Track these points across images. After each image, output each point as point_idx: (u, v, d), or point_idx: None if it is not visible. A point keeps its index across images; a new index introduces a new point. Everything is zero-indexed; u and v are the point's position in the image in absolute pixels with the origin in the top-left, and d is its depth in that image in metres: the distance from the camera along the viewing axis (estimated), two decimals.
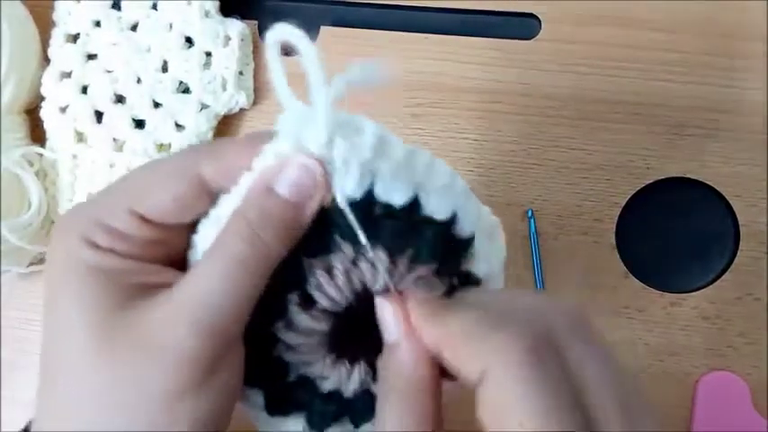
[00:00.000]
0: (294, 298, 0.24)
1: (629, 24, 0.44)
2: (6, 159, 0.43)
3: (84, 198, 0.45)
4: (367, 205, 0.23)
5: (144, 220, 0.24)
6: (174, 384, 0.21)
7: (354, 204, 0.23)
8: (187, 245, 0.25)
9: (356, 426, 0.26)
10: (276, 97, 0.24)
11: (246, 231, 0.23)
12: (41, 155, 0.45)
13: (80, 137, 0.45)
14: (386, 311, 0.24)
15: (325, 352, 0.25)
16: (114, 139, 0.45)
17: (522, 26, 0.46)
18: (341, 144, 0.23)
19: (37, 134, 0.46)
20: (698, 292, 0.43)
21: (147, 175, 0.25)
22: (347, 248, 0.23)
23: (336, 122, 0.23)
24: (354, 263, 0.23)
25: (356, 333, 0.24)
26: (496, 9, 0.46)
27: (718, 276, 0.43)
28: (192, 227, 0.25)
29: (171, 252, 0.24)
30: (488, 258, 0.27)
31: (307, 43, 0.24)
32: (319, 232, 0.23)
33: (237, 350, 0.23)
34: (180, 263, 0.24)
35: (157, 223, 0.24)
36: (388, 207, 0.23)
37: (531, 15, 0.45)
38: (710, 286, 0.43)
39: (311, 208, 0.23)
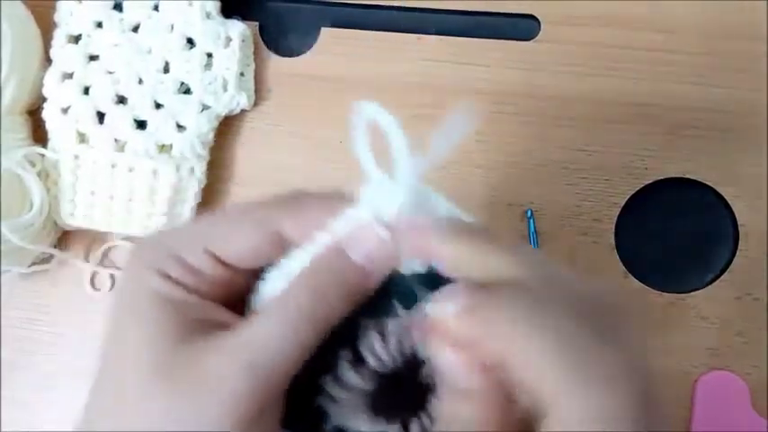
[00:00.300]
0: (346, 355, 0.25)
1: (629, 25, 0.45)
2: (8, 160, 0.43)
3: (84, 198, 0.45)
4: (429, 278, 0.24)
5: (218, 260, 0.25)
6: (221, 424, 0.22)
7: (418, 276, 0.24)
8: (251, 289, 0.25)
9: None
10: (361, 163, 0.25)
11: (315, 287, 0.24)
12: (43, 155, 0.46)
13: (82, 137, 0.46)
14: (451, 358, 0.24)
15: (365, 407, 0.26)
16: (116, 140, 0.45)
17: (521, 27, 0.46)
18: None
19: (39, 135, 0.47)
20: (697, 293, 0.43)
21: (228, 220, 0.26)
22: (403, 314, 0.24)
23: (415, 196, 0.24)
24: (408, 329, 0.24)
25: (397, 394, 0.25)
26: (496, 10, 0.46)
27: (718, 276, 0.43)
28: (258, 272, 0.25)
29: (232, 293, 0.25)
30: None
31: (391, 122, 0.25)
32: (379, 296, 0.25)
33: (280, 401, 0.24)
34: (238, 305, 0.25)
35: (229, 265, 0.25)
36: (448, 282, 0.24)
37: (531, 17, 0.45)
38: (710, 286, 0.43)
39: (378, 277, 0.24)
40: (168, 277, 0.24)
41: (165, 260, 0.24)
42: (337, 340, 0.24)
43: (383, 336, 0.25)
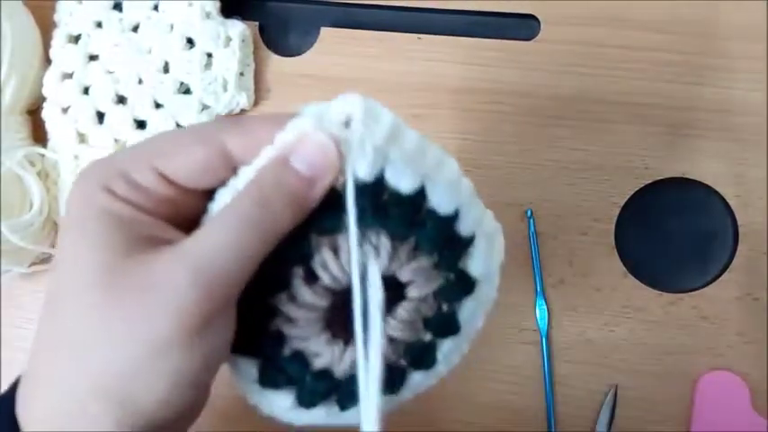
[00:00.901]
0: (299, 272, 0.24)
1: (629, 25, 0.45)
2: (8, 160, 0.43)
3: None
4: (376, 189, 0.24)
5: (164, 178, 0.25)
6: (167, 331, 0.22)
7: (364, 187, 0.24)
8: (203, 212, 0.25)
9: (342, 408, 0.27)
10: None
11: (258, 196, 0.24)
12: (43, 155, 0.46)
13: (81, 137, 0.46)
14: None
15: (321, 329, 0.25)
16: (115, 140, 0.45)
17: (521, 27, 0.46)
18: (358, 126, 0.24)
19: (39, 135, 0.47)
20: (697, 292, 0.43)
21: (173, 138, 0.26)
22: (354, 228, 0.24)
23: (366, 112, 0.24)
24: (359, 245, 0.24)
25: (352, 315, 0.25)
26: (496, 10, 0.46)
27: (717, 276, 0.43)
28: (208, 195, 0.25)
29: (182, 215, 0.25)
30: (486, 261, 0.27)
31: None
32: (329, 211, 0.24)
33: (230, 314, 0.24)
34: (189, 228, 0.25)
35: (176, 184, 0.25)
36: (395, 193, 0.24)
37: (531, 16, 0.45)
38: (709, 286, 0.43)
39: (323, 185, 0.24)
40: (114, 194, 0.24)
41: (111, 178, 0.24)
42: (290, 259, 0.24)
43: (336, 252, 0.24)
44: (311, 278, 0.25)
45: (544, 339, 0.43)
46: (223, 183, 0.25)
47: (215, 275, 0.22)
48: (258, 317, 0.25)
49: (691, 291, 0.43)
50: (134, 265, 0.23)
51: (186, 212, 0.25)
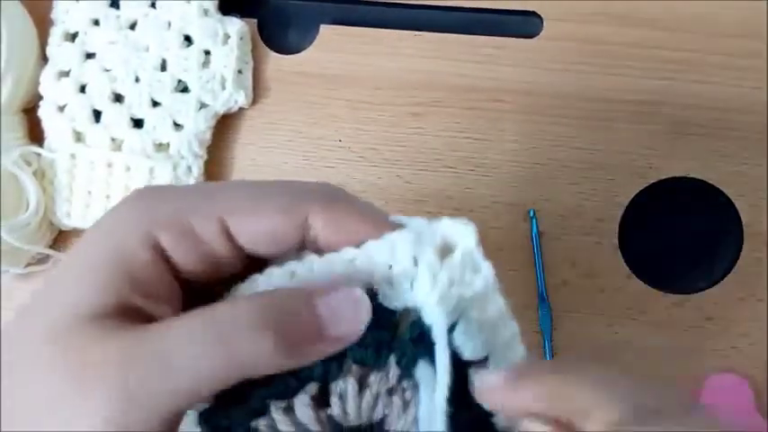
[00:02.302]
0: (312, 388, 0.22)
1: (632, 23, 0.44)
2: (4, 159, 0.43)
3: (81, 198, 0.45)
4: (424, 339, 0.22)
5: (226, 234, 0.22)
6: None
7: (426, 332, 0.22)
8: (241, 278, 0.23)
9: None
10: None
11: (256, 321, 0.20)
12: (39, 154, 0.45)
13: (78, 136, 0.45)
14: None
15: None
16: (112, 139, 0.45)
17: (524, 24, 0.45)
18: (455, 264, 0.22)
19: (35, 133, 0.46)
20: (701, 293, 0.43)
21: (254, 195, 0.22)
22: (394, 371, 0.22)
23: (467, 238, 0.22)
24: (392, 390, 0.22)
25: None
26: (498, 7, 0.45)
27: (722, 277, 0.43)
28: (252, 259, 0.23)
29: (210, 274, 0.23)
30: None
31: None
32: (374, 337, 0.22)
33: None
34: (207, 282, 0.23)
35: (233, 242, 0.22)
36: (455, 353, 0.22)
37: (533, 13, 0.45)
38: (714, 287, 0.43)
39: (333, 346, 0.21)
40: (155, 244, 0.21)
41: (163, 220, 0.21)
42: (309, 370, 0.22)
43: (362, 387, 0.22)
44: (321, 400, 0.22)
45: (547, 341, 0.43)
46: (281, 259, 0.23)
47: (148, 389, 0.19)
48: (236, 401, 0.22)
49: (695, 292, 0.43)
50: (82, 337, 0.20)
51: (217, 273, 0.23)
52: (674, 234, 0.43)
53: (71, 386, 0.19)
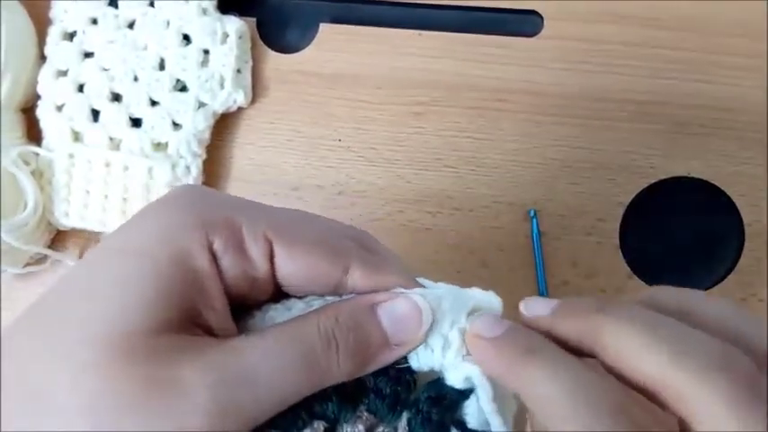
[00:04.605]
0: (320, 426, 0.22)
1: (632, 22, 0.44)
2: (3, 158, 0.43)
3: (79, 198, 0.45)
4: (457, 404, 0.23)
5: (270, 258, 0.22)
6: None
7: (443, 395, 0.22)
8: (273, 298, 0.23)
9: None
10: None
11: (326, 330, 0.21)
12: (37, 154, 0.45)
13: (76, 136, 0.45)
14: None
15: None
16: (111, 138, 0.45)
17: (524, 23, 0.45)
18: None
19: (33, 133, 0.46)
20: None
21: (305, 229, 0.23)
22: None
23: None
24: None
25: None
26: (498, 6, 0.45)
27: (723, 277, 0.43)
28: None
29: (245, 295, 0.23)
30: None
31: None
32: (395, 393, 0.23)
33: None
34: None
35: (273, 271, 0.22)
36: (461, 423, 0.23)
37: (534, 12, 0.45)
38: (715, 287, 0.43)
39: (399, 352, 0.22)
40: (210, 247, 0.21)
41: (219, 225, 0.21)
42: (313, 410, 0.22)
43: None
44: None
45: None
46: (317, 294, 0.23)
47: (238, 405, 0.20)
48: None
49: None
50: (160, 353, 0.19)
51: (244, 294, 0.23)
52: (675, 234, 0.43)
53: (155, 401, 0.19)
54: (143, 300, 0.20)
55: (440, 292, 0.23)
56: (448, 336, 0.22)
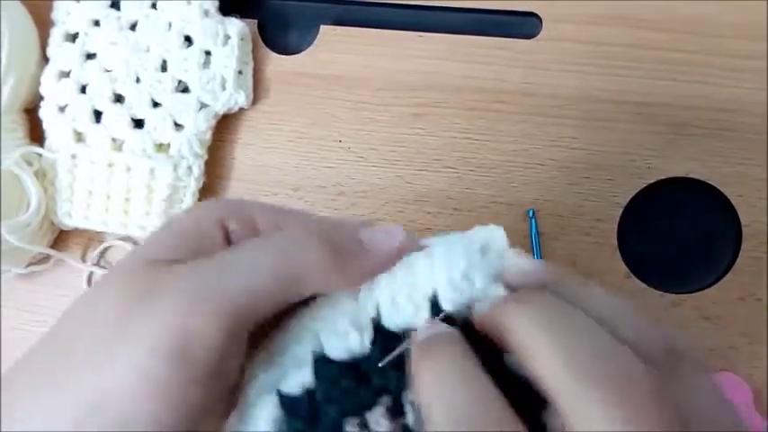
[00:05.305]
0: (386, 401, 0.23)
1: (631, 24, 0.44)
2: (5, 159, 0.43)
3: (81, 198, 0.45)
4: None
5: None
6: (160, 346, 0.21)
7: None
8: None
9: None
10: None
11: (313, 239, 0.23)
12: (40, 155, 0.45)
13: (79, 136, 0.45)
14: None
15: None
16: (113, 139, 0.45)
17: (523, 25, 0.45)
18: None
19: (36, 134, 0.46)
20: (700, 293, 0.43)
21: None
22: None
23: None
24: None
25: None
26: (497, 8, 0.46)
27: (721, 277, 0.43)
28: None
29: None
30: None
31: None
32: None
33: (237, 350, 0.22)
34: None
35: None
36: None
37: (533, 14, 0.45)
38: (713, 287, 0.43)
39: (380, 260, 0.23)
40: (227, 229, 0.24)
41: (236, 214, 0.24)
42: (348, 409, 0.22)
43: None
44: (394, 410, 0.23)
45: None
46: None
47: (210, 295, 0.21)
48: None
49: (693, 291, 0.43)
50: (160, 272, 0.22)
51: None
52: (673, 234, 0.43)
53: (138, 303, 0.21)
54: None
55: (431, 241, 0.24)
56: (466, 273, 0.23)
